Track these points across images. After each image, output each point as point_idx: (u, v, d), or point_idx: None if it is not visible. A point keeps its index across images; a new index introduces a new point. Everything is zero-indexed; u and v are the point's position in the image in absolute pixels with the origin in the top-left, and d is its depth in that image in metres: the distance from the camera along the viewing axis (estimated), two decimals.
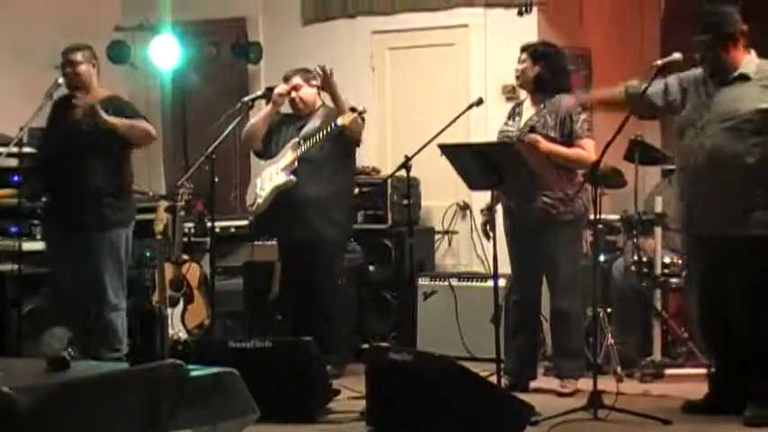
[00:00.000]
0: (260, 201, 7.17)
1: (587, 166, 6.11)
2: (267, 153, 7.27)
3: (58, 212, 6.62)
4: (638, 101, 5.82)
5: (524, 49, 6.61)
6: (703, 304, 5.94)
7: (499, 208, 6.54)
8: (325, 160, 7.06)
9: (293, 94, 7.17)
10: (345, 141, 7.04)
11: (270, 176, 7.15)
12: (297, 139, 7.09)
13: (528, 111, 6.56)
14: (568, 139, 6.39)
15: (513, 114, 6.64)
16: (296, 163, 7.05)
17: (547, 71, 6.51)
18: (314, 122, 7.14)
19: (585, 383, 6.16)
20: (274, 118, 7.29)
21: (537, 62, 6.52)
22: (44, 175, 6.79)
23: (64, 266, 6.55)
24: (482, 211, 6.80)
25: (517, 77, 6.61)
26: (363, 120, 6.97)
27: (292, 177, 7.03)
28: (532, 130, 6.43)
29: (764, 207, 5.56)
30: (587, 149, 6.37)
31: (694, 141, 5.64)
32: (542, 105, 6.48)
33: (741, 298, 5.64)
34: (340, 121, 6.85)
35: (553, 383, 6.55)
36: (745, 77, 5.60)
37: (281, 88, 7.14)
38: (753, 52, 5.65)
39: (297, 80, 7.18)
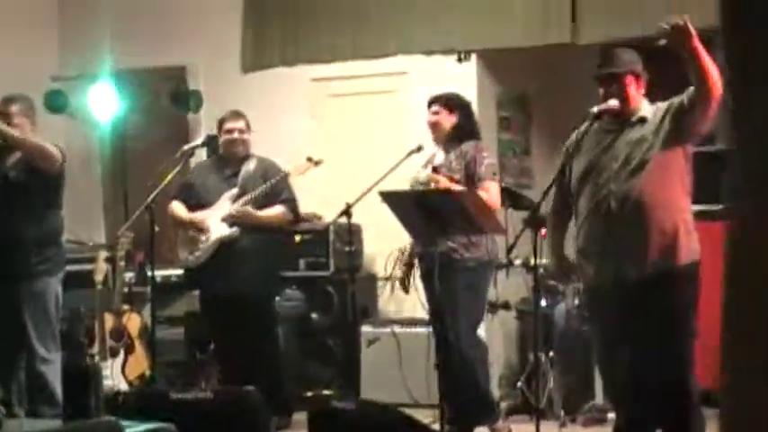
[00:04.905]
0: (198, 253, 7.04)
1: (491, 209, 6.20)
2: (193, 203, 7.11)
3: None
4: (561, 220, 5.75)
5: (435, 100, 6.66)
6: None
7: None
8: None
9: (236, 135, 7.07)
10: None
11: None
12: (236, 191, 7.00)
13: (440, 159, 6.59)
14: (473, 182, 6.41)
15: (427, 163, 6.64)
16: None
17: (464, 119, 6.57)
18: (248, 167, 7.06)
19: (528, 429, 6.15)
20: (193, 169, 7.27)
21: (453, 112, 6.58)
22: None
23: None
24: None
25: (434, 126, 6.59)
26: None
27: (235, 230, 6.95)
28: (435, 170, 6.47)
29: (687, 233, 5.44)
30: (491, 192, 6.42)
31: (603, 188, 5.41)
32: (450, 152, 6.53)
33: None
34: (290, 170, 6.88)
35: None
36: (643, 120, 5.53)
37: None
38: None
39: (241, 124, 7.09)
